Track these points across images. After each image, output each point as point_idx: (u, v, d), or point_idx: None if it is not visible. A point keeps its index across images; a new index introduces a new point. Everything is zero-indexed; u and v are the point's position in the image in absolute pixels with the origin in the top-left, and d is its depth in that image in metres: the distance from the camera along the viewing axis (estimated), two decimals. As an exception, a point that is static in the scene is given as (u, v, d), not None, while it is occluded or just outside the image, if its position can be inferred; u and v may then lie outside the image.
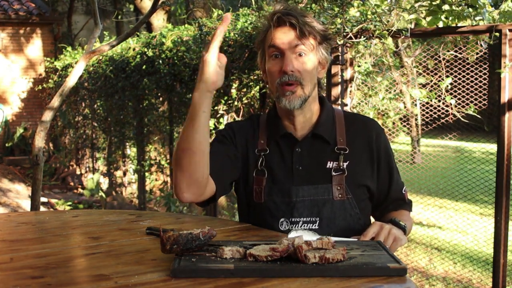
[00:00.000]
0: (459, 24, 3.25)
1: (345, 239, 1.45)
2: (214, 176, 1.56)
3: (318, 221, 1.60)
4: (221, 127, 4.50)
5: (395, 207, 1.73)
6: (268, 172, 1.66)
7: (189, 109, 1.44)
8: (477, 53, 3.39)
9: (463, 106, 3.46)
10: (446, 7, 3.14)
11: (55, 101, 3.31)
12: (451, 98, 3.38)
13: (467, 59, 3.49)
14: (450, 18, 3.22)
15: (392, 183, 1.71)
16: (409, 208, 1.75)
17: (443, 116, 3.53)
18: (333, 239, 1.28)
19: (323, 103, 1.72)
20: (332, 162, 1.63)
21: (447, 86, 3.38)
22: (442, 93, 3.40)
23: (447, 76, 3.41)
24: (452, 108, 3.39)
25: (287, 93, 1.58)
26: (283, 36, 1.58)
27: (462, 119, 3.45)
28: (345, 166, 1.62)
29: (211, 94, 1.41)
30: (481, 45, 3.30)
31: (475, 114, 3.35)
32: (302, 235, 1.37)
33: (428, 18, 3.28)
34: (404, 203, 1.74)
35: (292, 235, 1.40)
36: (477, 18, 3.08)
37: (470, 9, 3.09)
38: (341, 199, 1.61)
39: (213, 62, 1.37)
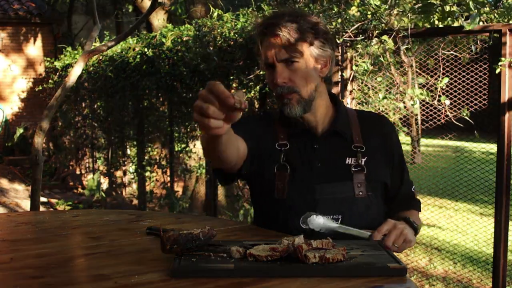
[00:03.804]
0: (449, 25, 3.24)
1: (356, 229, 1.46)
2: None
3: (340, 219, 1.59)
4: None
5: (406, 206, 1.73)
6: (290, 168, 1.64)
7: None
8: (470, 52, 3.37)
9: (462, 107, 3.45)
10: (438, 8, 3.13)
11: (55, 101, 3.31)
12: (445, 99, 3.36)
13: (466, 58, 3.48)
14: (437, 18, 3.20)
15: (403, 180, 1.72)
16: (418, 208, 1.75)
17: (439, 117, 3.52)
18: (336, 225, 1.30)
19: (336, 100, 1.71)
20: (350, 159, 1.62)
21: (444, 86, 3.36)
22: (438, 94, 3.38)
23: (446, 76, 3.40)
24: (446, 110, 3.37)
25: (285, 100, 1.58)
26: (271, 49, 1.56)
27: (456, 123, 3.40)
28: (363, 163, 1.62)
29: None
30: (476, 43, 3.29)
31: (467, 119, 3.30)
32: (321, 220, 1.44)
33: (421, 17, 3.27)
34: (414, 201, 1.75)
35: (312, 218, 1.43)
36: (467, 21, 3.05)
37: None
38: (362, 196, 1.60)
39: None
